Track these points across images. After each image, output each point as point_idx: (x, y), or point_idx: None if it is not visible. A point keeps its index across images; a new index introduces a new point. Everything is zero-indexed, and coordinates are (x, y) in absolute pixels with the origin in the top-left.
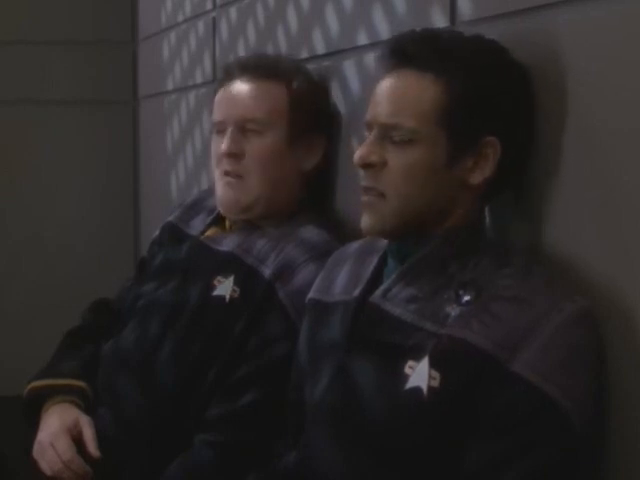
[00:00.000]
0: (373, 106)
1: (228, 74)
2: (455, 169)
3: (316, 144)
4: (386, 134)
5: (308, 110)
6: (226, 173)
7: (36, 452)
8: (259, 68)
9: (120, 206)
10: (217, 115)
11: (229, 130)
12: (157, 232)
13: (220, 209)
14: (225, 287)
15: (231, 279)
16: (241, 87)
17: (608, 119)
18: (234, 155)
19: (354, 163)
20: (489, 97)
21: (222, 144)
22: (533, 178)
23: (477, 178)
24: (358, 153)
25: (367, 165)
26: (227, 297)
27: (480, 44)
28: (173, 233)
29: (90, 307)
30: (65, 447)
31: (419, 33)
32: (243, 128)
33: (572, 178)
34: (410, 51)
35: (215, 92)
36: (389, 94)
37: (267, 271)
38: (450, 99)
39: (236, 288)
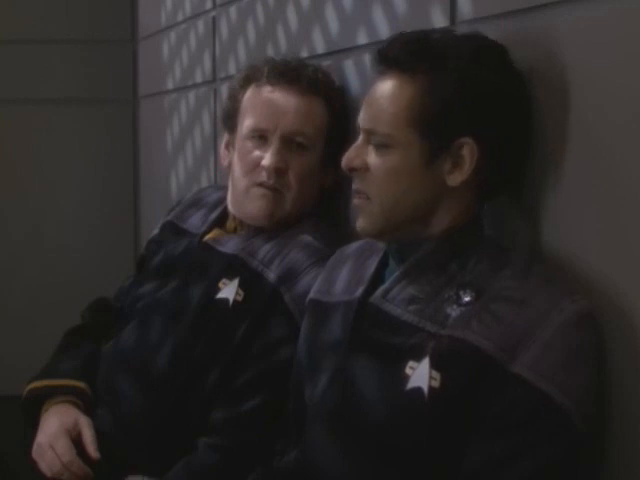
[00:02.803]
0: (362, 110)
1: (260, 75)
2: (433, 171)
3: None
4: (368, 138)
5: (342, 130)
6: (262, 185)
7: (35, 453)
8: (302, 80)
9: (120, 206)
10: (259, 121)
11: (275, 143)
12: (156, 230)
13: (246, 218)
14: (230, 290)
15: (236, 282)
16: (289, 99)
17: (608, 118)
18: (278, 170)
19: (342, 166)
20: (462, 97)
21: (262, 154)
22: (533, 178)
23: (455, 180)
24: (345, 157)
25: (351, 169)
26: (231, 300)
27: (463, 44)
28: (172, 231)
29: (90, 306)
30: (64, 449)
31: (403, 36)
32: (290, 141)
33: (572, 178)
34: (391, 55)
35: (234, 89)
36: (371, 99)
37: (272, 275)
38: (422, 100)
39: (241, 291)
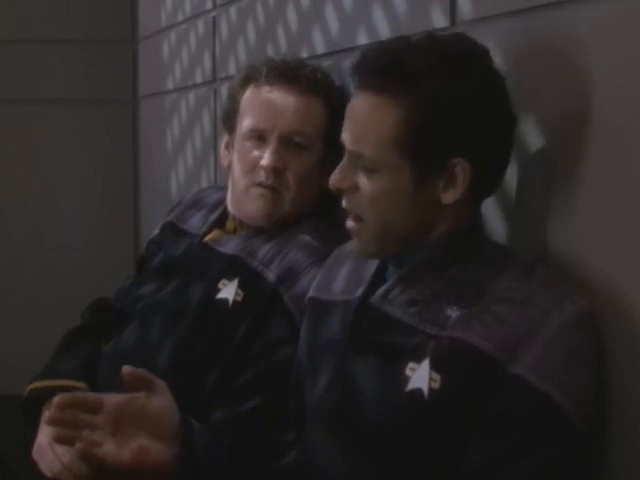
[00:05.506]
0: (344, 127)
1: (259, 75)
2: (425, 191)
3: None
4: (354, 160)
5: (341, 131)
6: (261, 185)
7: (36, 453)
8: (301, 79)
9: (120, 206)
10: (257, 122)
11: (273, 143)
12: (156, 231)
13: (245, 218)
14: (229, 290)
15: (235, 282)
16: (287, 99)
17: (610, 118)
18: (276, 169)
19: (329, 186)
20: (450, 119)
21: (260, 154)
22: (535, 178)
23: (449, 198)
24: (332, 177)
25: (340, 190)
26: (230, 300)
27: (441, 56)
28: (172, 232)
29: (90, 306)
30: (65, 449)
31: (378, 49)
32: (288, 141)
33: (573, 178)
34: (368, 73)
35: (234, 90)
36: (353, 118)
37: (271, 275)
38: (410, 124)
39: (240, 291)
